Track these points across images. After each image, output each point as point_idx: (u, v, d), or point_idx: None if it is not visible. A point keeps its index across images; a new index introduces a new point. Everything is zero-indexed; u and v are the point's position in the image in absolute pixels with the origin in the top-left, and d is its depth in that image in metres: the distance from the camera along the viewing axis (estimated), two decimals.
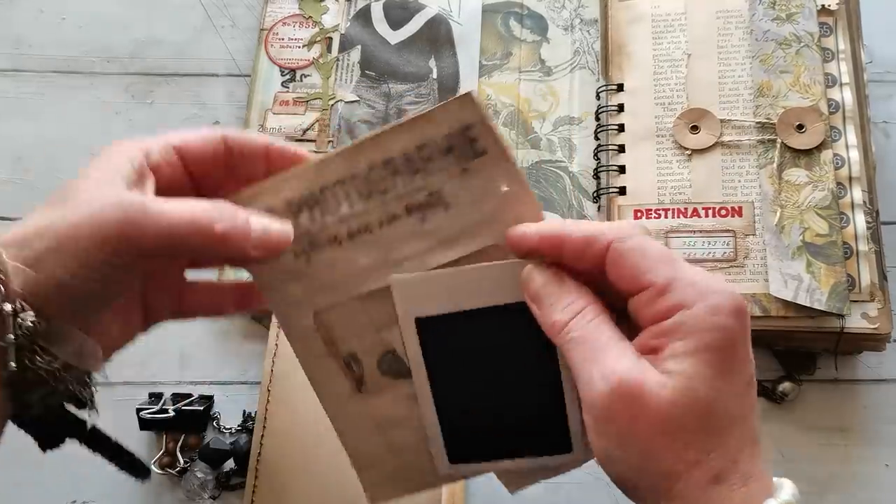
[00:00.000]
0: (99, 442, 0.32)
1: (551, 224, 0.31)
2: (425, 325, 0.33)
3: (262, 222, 0.31)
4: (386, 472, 0.36)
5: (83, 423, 0.31)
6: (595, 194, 0.54)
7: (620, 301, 0.30)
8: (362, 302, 0.34)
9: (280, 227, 0.32)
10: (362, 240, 0.33)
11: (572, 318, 0.30)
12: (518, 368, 0.33)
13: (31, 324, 0.27)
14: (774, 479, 0.29)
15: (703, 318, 0.28)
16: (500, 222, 0.32)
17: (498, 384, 0.33)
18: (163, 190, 0.31)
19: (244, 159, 0.33)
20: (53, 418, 0.30)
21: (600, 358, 0.29)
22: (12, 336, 0.27)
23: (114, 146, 0.31)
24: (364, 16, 0.61)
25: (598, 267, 0.30)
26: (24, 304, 0.27)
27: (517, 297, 0.32)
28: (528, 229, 0.31)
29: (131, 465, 0.34)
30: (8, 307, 0.26)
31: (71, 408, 0.30)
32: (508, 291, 0.32)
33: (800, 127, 0.52)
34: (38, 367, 0.28)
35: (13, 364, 0.27)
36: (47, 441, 0.31)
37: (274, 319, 0.49)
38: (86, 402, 0.30)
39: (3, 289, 0.27)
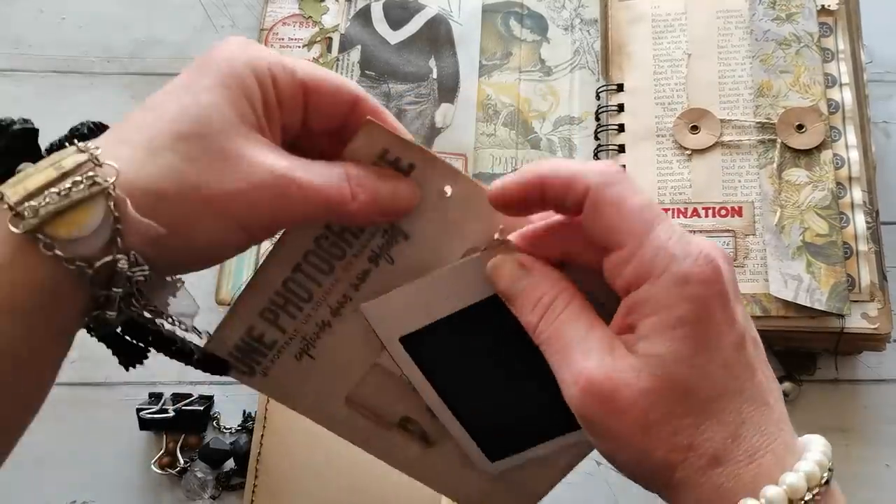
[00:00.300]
0: (181, 352, 0.31)
1: (530, 169, 0.29)
2: (412, 343, 0.32)
3: (390, 189, 0.30)
4: (500, 494, 0.36)
5: (164, 336, 0.30)
6: None
7: None
8: (381, 367, 0.33)
9: (408, 190, 0.30)
10: (348, 310, 0.32)
11: (541, 317, 0.29)
12: (517, 357, 0.32)
13: (140, 278, 0.26)
14: (804, 437, 0.28)
15: (670, 291, 0.26)
16: (463, 225, 0.31)
17: (503, 378, 0.33)
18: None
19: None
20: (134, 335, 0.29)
21: (569, 358, 0.28)
22: (119, 290, 0.26)
23: (235, 51, 0.29)
24: (364, 16, 0.61)
25: (576, 208, 0.28)
26: (138, 257, 0.26)
27: (488, 292, 0.31)
28: (507, 180, 0.29)
29: (214, 365, 0.33)
30: (123, 264, 0.26)
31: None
32: (478, 288, 0.31)
33: (800, 127, 0.52)
34: (133, 312, 0.28)
35: (110, 313, 0.27)
36: (129, 357, 0.30)
37: None
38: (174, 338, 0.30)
39: (119, 242, 0.25)
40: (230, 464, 0.50)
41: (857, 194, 0.50)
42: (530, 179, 0.29)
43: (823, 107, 0.52)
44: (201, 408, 0.50)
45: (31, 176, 0.25)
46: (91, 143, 0.26)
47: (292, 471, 0.46)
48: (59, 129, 0.30)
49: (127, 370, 0.30)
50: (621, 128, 0.55)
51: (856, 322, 0.48)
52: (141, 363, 0.30)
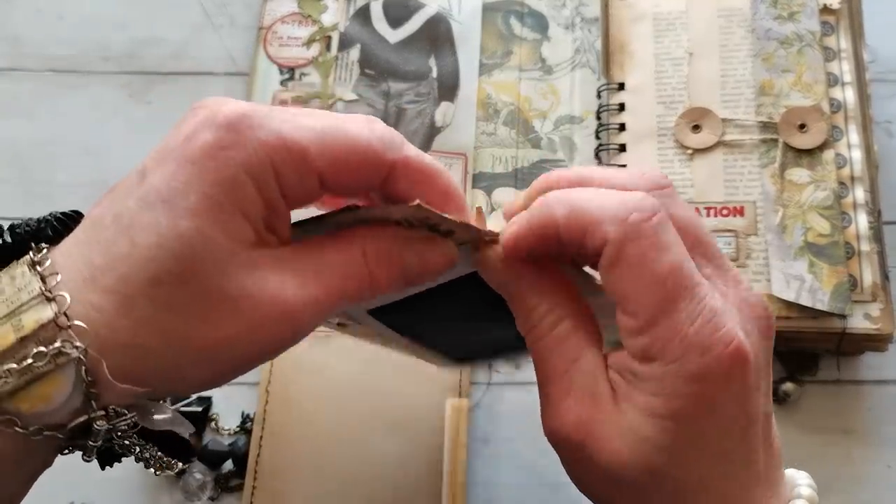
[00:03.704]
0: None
1: (544, 210, 0.25)
2: (381, 312, 0.31)
3: (416, 259, 0.26)
4: None
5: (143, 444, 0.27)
6: None
7: None
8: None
9: (440, 254, 0.26)
10: None
11: (530, 330, 0.26)
12: (484, 316, 0.31)
13: (123, 427, 0.23)
14: (792, 478, 0.27)
15: (676, 383, 0.23)
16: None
17: (471, 328, 0.34)
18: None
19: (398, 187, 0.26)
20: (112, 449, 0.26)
21: (548, 388, 0.25)
22: (98, 443, 0.23)
23: (225, 142, 0.22)
24: (363, 14, 0.61)
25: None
26: (117, 409, 0.23)
27: (465, 271, 0.28)
28: (520, 232, 0.26)
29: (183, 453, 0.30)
30: (101, 423, 0.22)
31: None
32: (457, 270, 0.28)
33: (802, 126, 0.51)
34: (114, 444, 0.25)
35: (86, 457, 0.24)
36: (103, 460, 0.27)
37: None
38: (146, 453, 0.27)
39: (94, 403, 0.22)
40: (229, 465, 0.49)
41: (860, 194, 0.50)
42: (545, 228, 0.25)
43: (825, 106, 0.52)
44: (199, 409, 0.50)
45: None
46: (59, 271, 0.22)
47: (291, 472, 0.46)
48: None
49: (103, 469, 0.27)
50: (622, 127, 0.54)
51: (858, 322, 0.47)
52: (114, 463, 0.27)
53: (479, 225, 0.27)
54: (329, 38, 0.60)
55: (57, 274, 0.22)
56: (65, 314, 0.21)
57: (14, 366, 0.21)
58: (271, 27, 0.60)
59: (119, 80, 0.61)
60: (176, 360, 0.23)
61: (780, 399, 0.49)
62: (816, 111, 0.51)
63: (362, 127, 0.24)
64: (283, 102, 0.58)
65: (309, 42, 0.60)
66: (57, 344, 0.21)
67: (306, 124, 0.23)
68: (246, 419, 0.51)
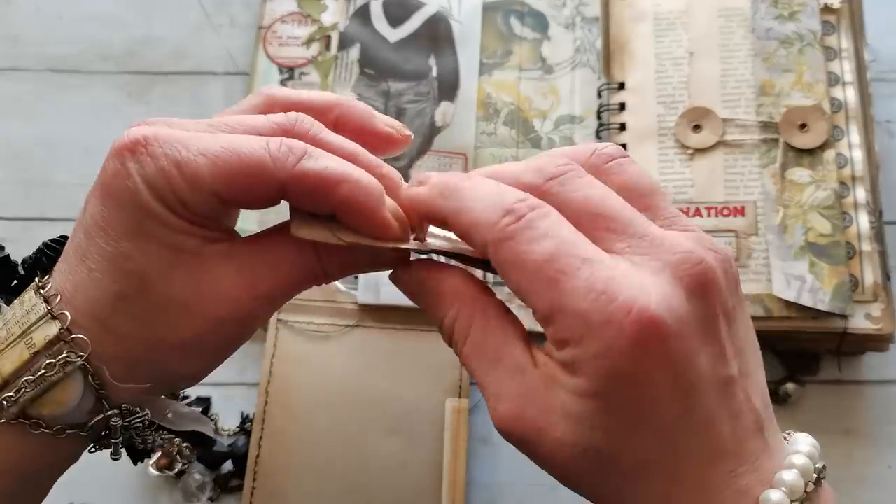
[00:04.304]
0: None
1: (439, 197, 0.26)
2: None
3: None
4: None
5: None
6: None
7: None
8: None
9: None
10: None
11: (450, 334, 0.26)
12: None
13: (139, 424, 0.27)
14: (793, 436, 0.26)
15: (593, 362, 0.23)
16: None
17: None
18: None
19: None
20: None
21: (487, 393, 0.25)
22: (119, 439, 0.27)
23: (129, 171, 0.25)
24: (363, 14, 0.60)
25: None
26: (130, 407, 0.26)
27: None
28: (418, 197, 0.27)
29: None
30: (117, 420, 0.26)
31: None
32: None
33: (802, 126, 0.51)
34: (136, 440, 0.28)
35: (113, 454, 0.28)
36: (134, 456, 0.32)
37: (273, 320, 0.48)
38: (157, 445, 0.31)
39: (106, 403, 0.26)
40: (228, 466, 0.49)
41: (861, 194, 0.50)
42: (429, 210, 0.26)
43: (826, 106, 0.51)
44: (199, 409, 0.49)
45: (3, 351, 0.25)
46: (55, 295, 0.25)
47: (291, 473, 0.46)
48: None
49: (135, 464, 0.32)
50: (623, 126, 0.54)
51: (859, 322, 0.47)
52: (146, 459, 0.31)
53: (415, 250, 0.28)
54: (329, 37, 0.60)
55: (57, 295, 0.26)
56: (67, 329, 0.25)
57: (30, 377, 0.25)
58: (271, 27, 0.60)
59: (118, 80, 0.61)
60: (160, 361, 0.26)
61: (780, 399, 0.49)
62: (817, 111, 0.51)
63: (257, 147, 0.26)
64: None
65: (308, 41, 0.60)
66: (63, 355, 0.25)
67: (202, 147, 0.25)
68: (245, 419, 0.51)
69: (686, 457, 0.23)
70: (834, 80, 0.53)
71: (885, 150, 0.55)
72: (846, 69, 0.53)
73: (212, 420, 0.51)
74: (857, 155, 0.50)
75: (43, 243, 0.29)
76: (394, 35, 0.60)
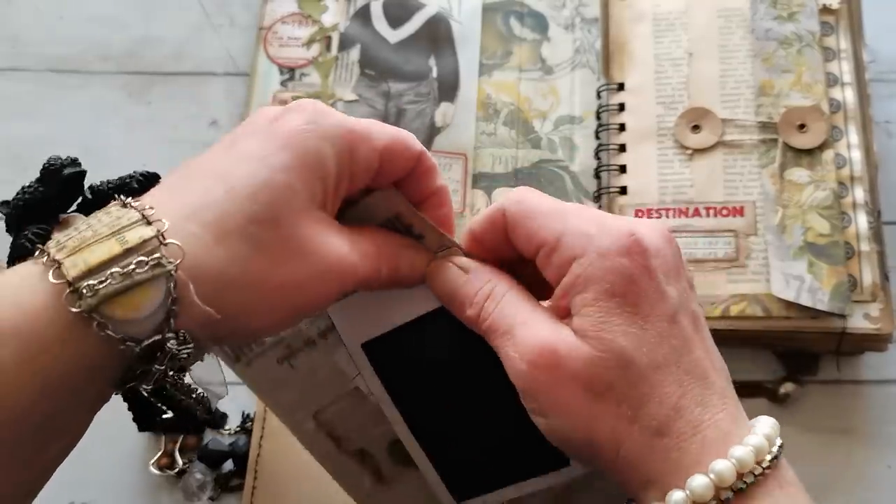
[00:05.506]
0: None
1: (486, 215, 0.31)
2: (373, 350, 0.32)
3: (408, 264, 0.30)
4: None
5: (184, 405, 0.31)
6: (596, 194, 0.54)
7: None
8: (353, 397, 0.34)
9: (422, 264, 0.31)
10: (334, 336, 0.33)
11: (480, 308, 0.29)
12: (481, 379, 0.31)
13: (185, 356, 0.25)
14: (756, 418, 0.28)
15: (594, 267, 0.27)
16: None
17: (471, 404, 0.32)
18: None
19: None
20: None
21: (514, 336, 0.28)
22: (162, 367, 0.25)
23: (315, 120, 0.28)
24: (363, 14, 0.61)
25: (505, 239, 0.30)
26: (186, 335, 0.25)
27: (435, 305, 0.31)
28: (472, 222, 0.31)
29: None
30: (172, 344, 0.25)
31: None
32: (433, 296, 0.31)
33: (801, 126, 0.51)
34: (165, 382, 0.27)
35: (145, 386, 0.26)
36: (144, 421, 0.30)
37: None
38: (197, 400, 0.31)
39: (172, 322, 0.24)
40: (229, 465, 0.49)
41: (859, 194, 0.50)
42: (493, 217, 0.30)
43: (825, 106, 0.52)
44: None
45: (90, 245, 0.24)
46: (154, 207, 0.25)
47: (291, 472, 0.46)
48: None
49: (140, 430, 0.30)
50: (622, 127, 0.54)
51: (858, 322, 0.47)
52: (154, 428, 0.30)
53: (450, 253, 0.31)
54: (329, 38, 0.60)
55: (152, 208, 0.25)
56: (162, 235, 0.24)
57: (118, 270, 0.24)
58: (271, 27, 0.60)
59: (119, 80, 0.61)
60: (252, 296, 0.26)
61: (780, 399, 0.49)
62: (816, 111, 0.51)
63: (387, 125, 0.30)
64: (283, 102, 0.58)
65: (309, 42, 0.60)
66: (157, 255, 0.24)
67: (358, 118, 0.29)
68: (246, 419, 0.51)
69: (685, 370, 0.27)
70: (833, 80, 0.53)
71: (883, 150, 0.55)
72: (845, 70, 0.53)
73: (219, 413, 0.51)
74: (856, 155, 0.51)
75: (134, 171, 0.31)
76: (394, 36, 0.60)
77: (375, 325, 0.32)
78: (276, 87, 0.58)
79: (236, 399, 0.52)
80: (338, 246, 0.27)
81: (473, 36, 0.59)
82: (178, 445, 0.50)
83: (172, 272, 0.24)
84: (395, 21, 0.60)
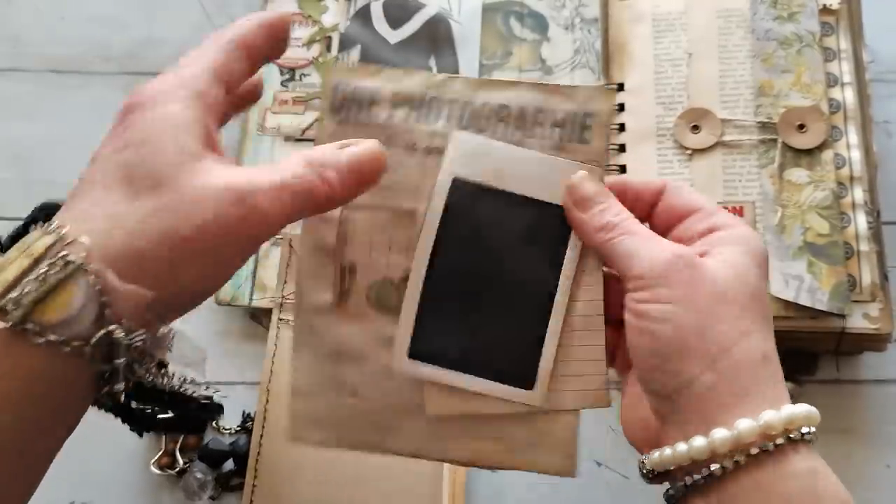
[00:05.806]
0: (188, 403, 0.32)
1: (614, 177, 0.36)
2: (458, 189, 0.33)
3: (353, 160, 0.30)
4: (319, 409, 0.34)
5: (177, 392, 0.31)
6: None
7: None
8: (395, 217, 0.34)
9: (370, 152, 0.30)
10: (434, 159, 0.33)
11: (623, 221, 0.33)
12: (518, 277, 0.33)
13: (139, 343, 0.26)
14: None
15: (745, 235, 0.32)
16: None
17: (492, 285, 0.33)
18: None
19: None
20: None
21: (658, 239, 0.32)
22: (122, 360, 0.26)
23: (155, 92, 0.32)
24: (364, 15, 0.61)
25: (652, 204, 0.34)
26: (130, 323, 0.26)
27: (557, 199, 0.33)
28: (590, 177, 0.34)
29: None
30: (120, 332, 0.25)
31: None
32: (554, 190, 0.33)
33: (801, 127, 0.51)
34: (139, 377, 0.27)
35: (117, 386, 0.26)
36: (140, 424, 0.30)
37: (273, 320, 0.49)
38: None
39: (109, 313, 0.25)
40: (229, 464, 0.49)
41: (859, 194, 0.50)
42: (614, 182, 0.34)
43: (825, 106, 0.52)
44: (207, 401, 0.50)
45: (3, 268, 0.25)
46: (54, 222, 0.27)
47: (292, 471, 0.46)
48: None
49: (140, 436, 0.30)
50: (622, 127, 0.54)
51: (857, 322, 0.47)
52: (152, 429, 0.30)
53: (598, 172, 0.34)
54: (329, 38, 0.60)
55: (53, 222, 0.27)
56: (63, 235, 0.26)
57: (33, 278, 0.25)
58: None
59: (119, 81, 0.61)
60: (167, 259, 0.26)
61: None
62: (816, 111, 0.51)
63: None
64: (284, 103, 0.58)
65: (309, 42, 0.60)
66: (63, 254, 0.25)
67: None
68: (246, 418, 0.51)
69: (724, 354, 0.30)
70: (832, 80, 0.53)
71: (883, 150, 0.55)
72: (845, 70, 0.53)
73: (218, 405, 0.51)
74: (856, 155, 0.51)
75: (40, 206, 0.32)
76: (394, 36, 0.60)
77: (483, 171, 0.33)
78: (276, 88, 0.59)
79: (236, 399, 0.52)
80: (232, 178, 0.27)
81: (473, 36, 0.59)
82: (178, 445, 0.50)
83: (84, 265, 0.25)
84: (396, 21, 0.60)
